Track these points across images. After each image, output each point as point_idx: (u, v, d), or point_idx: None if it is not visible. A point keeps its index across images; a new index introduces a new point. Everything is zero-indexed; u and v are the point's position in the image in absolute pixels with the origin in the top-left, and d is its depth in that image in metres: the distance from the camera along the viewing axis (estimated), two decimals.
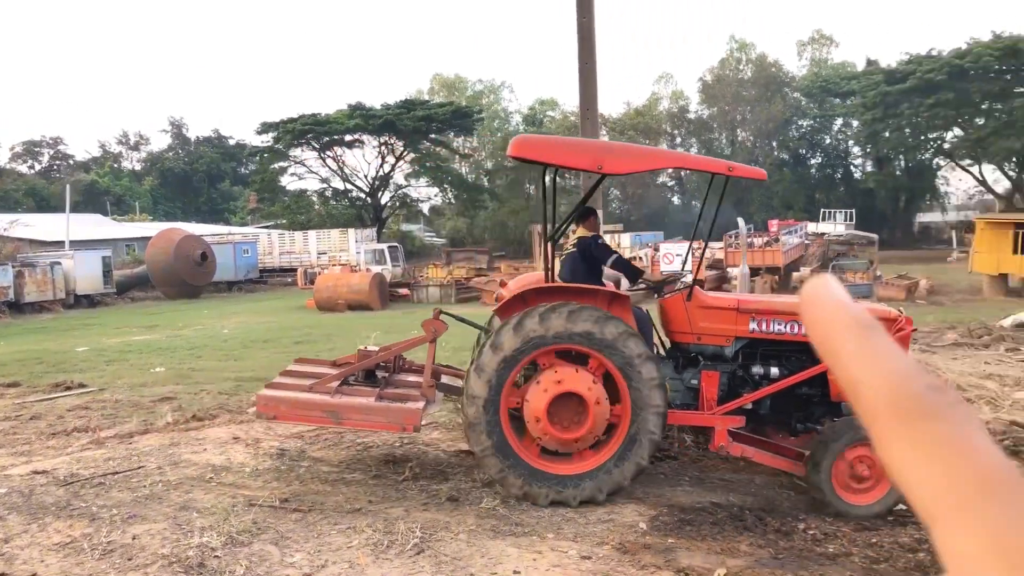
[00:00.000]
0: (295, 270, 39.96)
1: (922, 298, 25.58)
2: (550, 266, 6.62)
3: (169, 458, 7.58)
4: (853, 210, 45.90)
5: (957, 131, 50.61)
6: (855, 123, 55.89)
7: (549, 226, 6.72)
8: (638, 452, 6.09)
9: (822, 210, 46.20)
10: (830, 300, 0.48)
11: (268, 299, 33.82)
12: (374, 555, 5.33)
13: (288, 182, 56.00)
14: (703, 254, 9.30)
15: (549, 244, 6.75)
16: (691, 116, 62.74)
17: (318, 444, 8.12)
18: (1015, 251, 23.49)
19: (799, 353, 6.45)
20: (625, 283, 8.28)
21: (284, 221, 54.64)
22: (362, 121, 50.10)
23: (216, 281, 36.45)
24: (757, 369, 6.48)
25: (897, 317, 6.55)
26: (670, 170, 65.02)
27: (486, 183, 61.60)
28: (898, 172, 58.14)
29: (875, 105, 48.37)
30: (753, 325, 6.44)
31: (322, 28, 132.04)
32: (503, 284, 7.85)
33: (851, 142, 61.10)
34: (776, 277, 30.69)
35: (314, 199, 57.19)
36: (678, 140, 63.77)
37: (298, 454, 7.74)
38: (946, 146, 52.36)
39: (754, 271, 31.31)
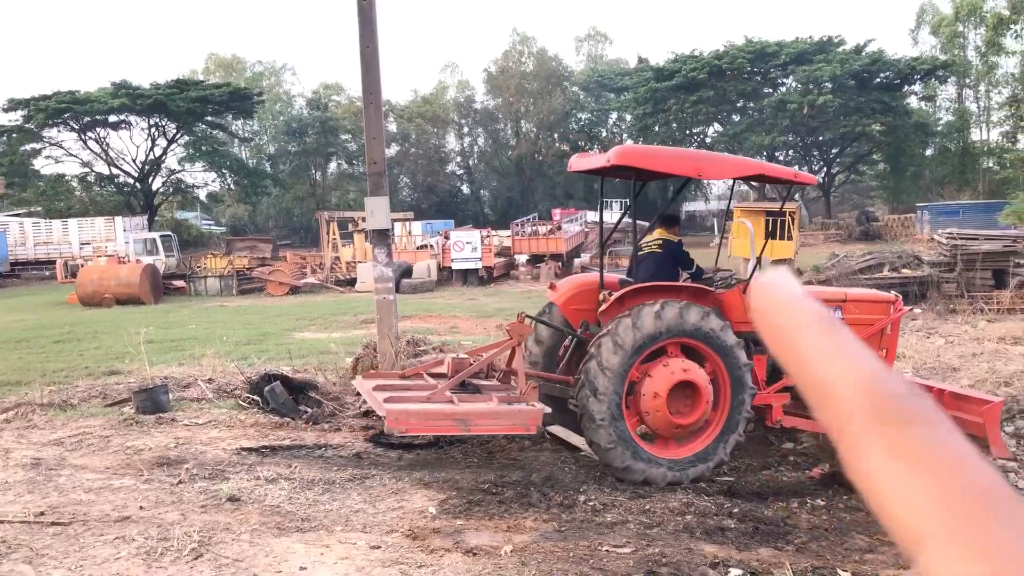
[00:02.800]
0: (53, 262, 36.32)
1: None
2: (602, 267, 7.42)
3: None
4: (627, 200, 48.78)
5: (717, 127, 55.23)
6: (628, 117, 59.33)
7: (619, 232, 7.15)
8: (736, 429, 6.66)
9: (600, 200, 48.75)
10: (786, 296, 0.44)
11: (22, 295, 30.56)
12: (146, 564, 4.96)
13: (43, 165, 50.77)
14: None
15: (612, 247, 6.84)
16: (477, 106, 63.78)
17: (80, 450, 7.43)
18: (767, 237, 25.99)
19: None
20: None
21: (39, 208, 49.44)
22: (128, 100, 46.37)
23: None
24: None
25: (895, 299, 7.49)
26: (459, 159, 65.98)
27: (269, 168, 59.23)
28: None
29: (646, 100, 51.61)
30: None
31: None
32: (553, 287, 7.78)
33: (625, 135, 64.83)
34: (559, 263, 32.03)
35: (75, 184, 52.22)
36: (465, 129, 64.68)
37: (56, 462, 7.04)
38: (708, 140, 56.94)
39: (538, 258, 32.48)
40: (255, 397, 8.86)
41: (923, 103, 54.24)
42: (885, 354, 7.40)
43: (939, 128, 54.68)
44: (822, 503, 6.35)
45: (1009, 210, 32.71)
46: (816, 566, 5.09)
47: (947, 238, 19.73)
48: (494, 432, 6.91)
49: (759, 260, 9.69)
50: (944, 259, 18.72)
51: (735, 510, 5.98)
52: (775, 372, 7.13)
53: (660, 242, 7.41)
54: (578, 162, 7.87)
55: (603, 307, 6.79)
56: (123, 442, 7.62)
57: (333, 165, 65.48)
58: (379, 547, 5.28)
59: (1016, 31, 48.82)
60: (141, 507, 5.93)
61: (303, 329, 18.26)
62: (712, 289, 7.00)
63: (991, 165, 50.73)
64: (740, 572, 4.96)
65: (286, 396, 8.66)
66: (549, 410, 6.58)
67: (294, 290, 29.93)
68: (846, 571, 5.01)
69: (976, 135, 56.30)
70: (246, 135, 59.51)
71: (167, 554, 5.09)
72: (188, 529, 5.44)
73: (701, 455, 6.62)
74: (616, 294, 6.71)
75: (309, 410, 8.54)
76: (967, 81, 55.28)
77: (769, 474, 6.97)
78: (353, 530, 5.59)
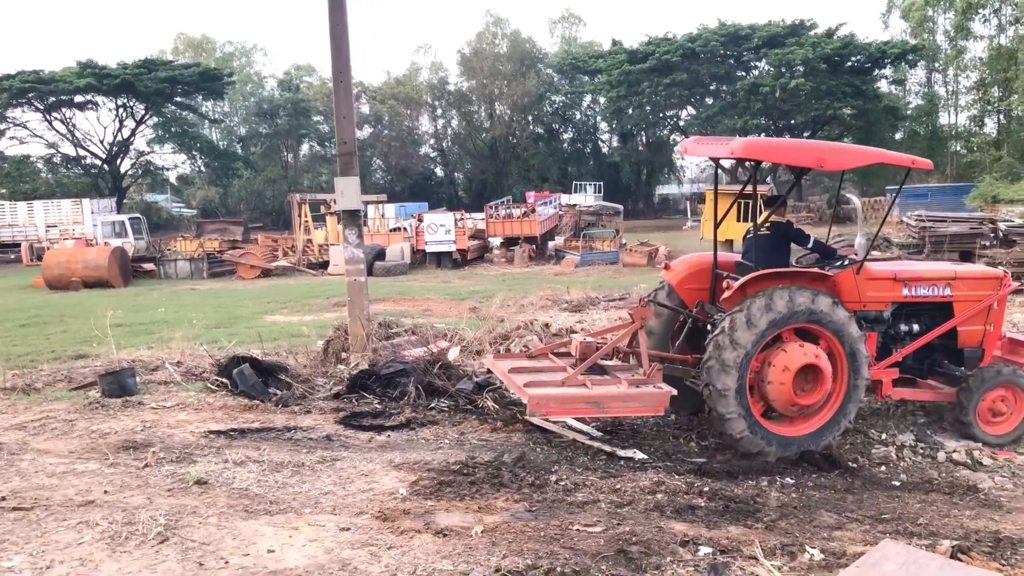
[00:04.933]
0: (19, 245, 35.65)
1: (661, 263, 27.80)
2: (716, 250, 7.67)
3: None
4: (601, 183, 48.88)
5: (690, 109, 55.32)
6: (602, 100, 59.25)
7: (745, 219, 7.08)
8: (847, 416, 6.89)
9: (574, 182, 48.74)
10: None
11: None
12: (110, 549, 4.88)
13: (6, 147, 49.81)
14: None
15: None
16: (451, 88, 63.34)
17: (44, 434, 7.30)
18: (739, 219, 26.12)
19: (931, 310, 7.54)
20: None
21: (3, 191, 48.44)
22: (95, 81, 45.52)
23: None
24: (903, 327, 7.52)
25: (1003, 275, 7.77)
26: (432, 141, 65.59)
27: (240, 150, 58.46)
28: (640, 147, 62.56)
29: (619, 83, 51.55)
30: (906, 291, 7.41)
31: None
32: (668, 267, 8.03)
33: (599, 118, 64.80)
34: (534, 246, 31.99)
35: (40, 166, 51.21)
36: (439, 112, 64.21)
37: (19, 447, 6.91)
38: (681, 123, 57.08)
39: (512, 241, 32.44)
40: (224, 380, 8.75)
41: (893, 87, 54.74)
42: (992, 329, 7.63)
43: (908, 112, 55.25)
44: (791, 481, 6.40)
45: (975, 193, 33.19)
46: (785, 543, 5.12)
47: (916, 220, 19.95)
48: (626, 414, 7.10)
49: (873, 241, 9.78)
50: (913, 241, 18.94)
51: (705, 489, 6.00)
52: (885, 348, 7.40)
53: (769, 225, 7.54)
54: (696, 147, 7.88)
55: (727, 294, 6.99)
56: (88, 426, 7.49)
57: (305, 147, 64.86)
58: (348, 529, 5.24)
59: (984, 16, 49.39)
60: (106, 491, 5.83)
61: (274, 312, 18.10)
62: (829, 273, 7.14)
63: (959, 149, 51.44)
64: (709, 550, 4.98)
65: (255, 378, 8.56)
66: (676, 392, 6.81)
67: (266, 273, 29.66)
68: (814, 548, 5.04)
69: (944, 119, 57.01)
70: (216, 116, 58.68)
71: (132, 538, 5.01)
72: (154, 513, 5.36)
73: (812, 435, 6.85)
74: (739, 281, 6.90)
75: (279, 392, 8.45)
76: (936, 65, 55.79)
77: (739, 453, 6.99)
78: (322, 512, 5.54)
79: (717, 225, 8.07)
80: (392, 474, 6.30)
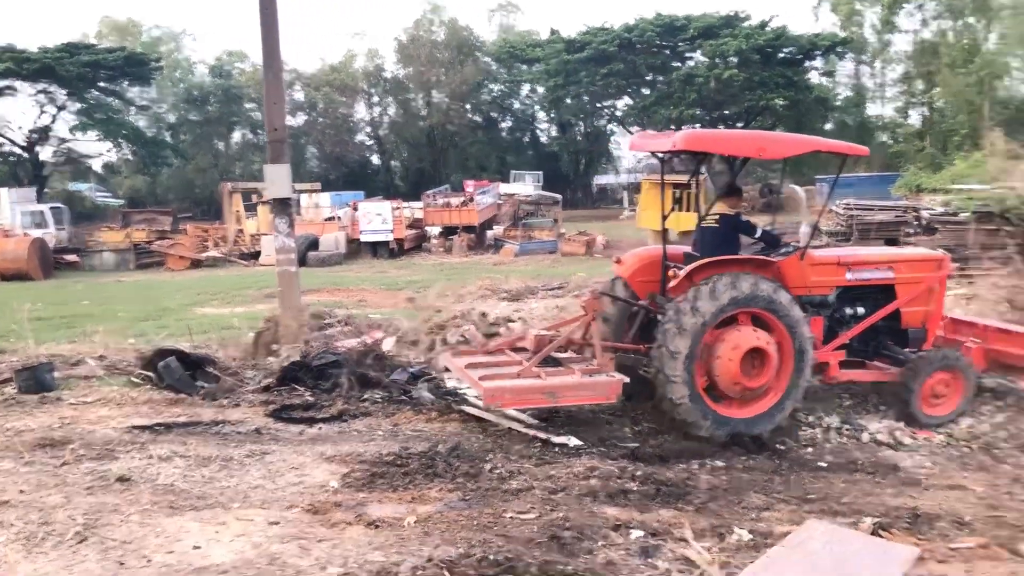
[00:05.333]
0: None
1: (599, 252, 28.05)
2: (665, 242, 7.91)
3: None
4: (540, 172, 48.94)
5: (627, 100, 55.73)
6: (540, 89, 59.23)
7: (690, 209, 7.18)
8: (795, 395, 7.07)
9: (513, 172, 48.68)
10: None
11: None
12: (26, 550, 4.70)
13: None
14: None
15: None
16: (387, 75, 62.59)
17: None
18: (674, 209, 26.47)
19: (875, 293, 7.75)
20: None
21: None
22: (13, 65, 43.56)
23: None
24: (848, 311, 7.72)
25: (943, 257, 8.02)
26: (368, 129, 64.77)
27: (169, 138, 56.81)
28: (579, 137, 62.84)
29: (557, 72, 51.58)
30: (850, 275, 7.63)
31: None
32: (619, 261, 8.18)
33: (537, 107, 64.80)
34: (472, 235, 31.89)
35: None
36: (375, 99, 63.43)
37: None
38: (618, 113, 57.48)
39: (451, 230, 32.29)
40: (149, 374, 8.50)
41: (823, 79, 56.00)
42: (934, 309, 7.87)
43: (838, 103, 56.61)
44: (721, 464, 6.50)
45: (901, 182, 34.24)
46: (715, 525, 5.20)
47: (844, 209, 20.48)
48: (580, 403, 7.18)
49: (815, 228, 9.97)
50: (841, 228, 19.44)
51: (638, 473, 6.06)
52: (831, 332, 7.59)
53: (717, 216, 7.70)
54: (641, 142, 8.39)
55: (673, 283, 7.18)
56: (2, 424, 7.19)
57: (237, 135, 63.27)
58: (278, 523, 5.14)
59: (909, 10, 50.93)
60: (21, 491, 5.61)
61: (204, 304, 17.68)
62: (773, 260, 7.30)
63: (885, 139, 52.90)
64: (641, 533, 5.03)
65: (182, 372, 8.34)
66: (628, 380, 6.96)
67: (196, 264, 28.95)
68: (743, 529, 5.12)
69: (872, 110, 58.64)
70: (143, 103, 56.82)
71: (49, 539, 4.83)
72: (72, 512, 5.18)
73: (763, 416, 7.03)
74: (685, 270, 7.07)
75: (207, 386, 8.25)
76: (864, 58, 57.32)
77: (671, 437, 7.08)
78: (251, 507, 5.42)
79: (665, 217, 8.27)
80: (323, 467, 6.20)
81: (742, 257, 7.28)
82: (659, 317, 7.13)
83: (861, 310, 7.78)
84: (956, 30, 49.14)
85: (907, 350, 7.83)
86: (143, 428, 7.06)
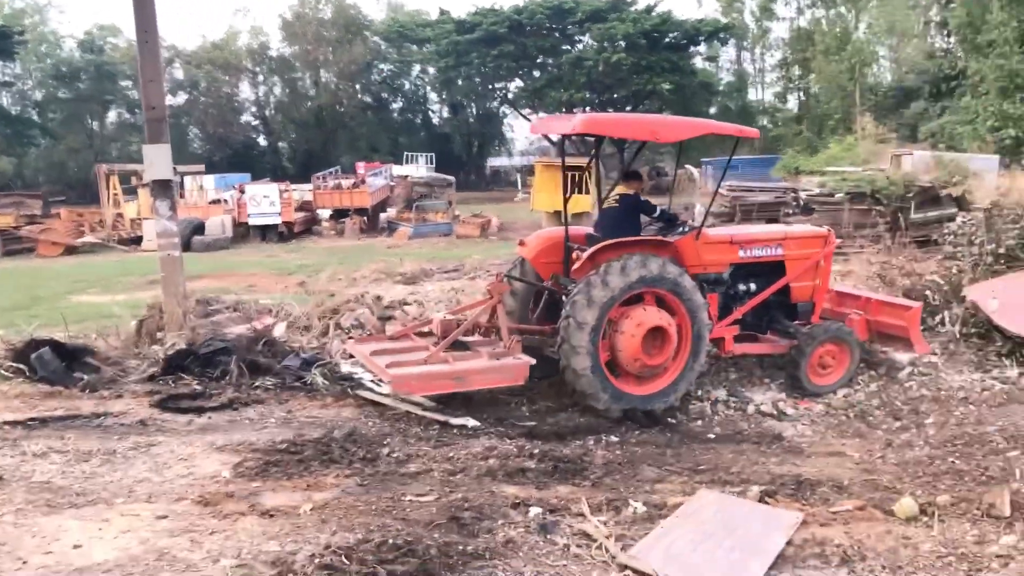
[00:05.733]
0: None
1: (494, 234, 28.10)
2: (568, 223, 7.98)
3: None
4: (433, 154, 48.51)
5: (519, 82, 55.89)
6: (431, 70, 58.71)
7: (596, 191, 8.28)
8: (689, 378, 7.33)
9: (405, 153, 48.07)
10: None
11: None
12: None
13: None
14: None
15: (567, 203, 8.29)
16: (273, 54, 60.66)
17: None
18: (567, 191, 26.79)
19: (766, 270, 8.05)
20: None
21: None
22: None
23: None
24: (741, 287, 8.02)
25: (827, 233, 8.37)
26: (254, 109, 62.67)
27: (36, 117, 53.42)
28: (471, 119, 62.69)
29: (448, 53, 51.21)
30: (742, 252, 7.90)
31: None
32: (522, 243, 8.14)
33: (429, 88, 64.24)
34: (364, 218, 31.36)
35: None
36: (260, 78, 61.40)
37: None
38: (510, 95, 57.61)
39: (342, 213, 31.64)
40: (21, 366, 7.98)
41: (707, 64, 57.72)
42: (820, 283, 8.22)
43: (721, 87, 58.54)
44: (616, 439, 6.65)
45: (780, 165, 35.72)
46: (611, 498, 5.32)
47: (727, 191, 21.20)
48: (488, 386, 7.13)
49: (709, 208, 10.25)
50: (725, 210, 20.10)
51: (535, 451, 6.13)
52: (726, 308, 7.88)
53: (618, 197, 7.95)
54: (543, 125, 8.72)
55: (576, 264, 7.25)
56: None
57: (113, 114, 60.03)
58: (166, 516, 4.95)
59: None
60: None
61: (82, 292, 16.74)
62: (671, 240, 7.48)
63: (765, 123, 55.02)
64: (540, 510, 5.09)
65: (57, 363, 7.87)
66: (535, 361, 7.03)
67: (71, 250, 27.37)
68: (638, 501, 5.27)
69: (753, 95, 60.92)
70: (6, 79, 53.17)
71: None
72: None
73: (669, 388, 7.23)
74: (587, 252, 7.17)
75: (86, 377, 7.82)
76: (745, 44, 59.41)
77: (568, 415, 7.19)
78: (136, 501, 5.20)
79: (567, 201, 8.39)
80: (214, 457, 6.00)
81: (642, 239, 7.47)
82: (563, 298, 7.23)
83: (753, 286, 8.10)
84: (829, 19, 51.52)
85: (797, 323, 8.22)
86: (15, 423, 6.64)
